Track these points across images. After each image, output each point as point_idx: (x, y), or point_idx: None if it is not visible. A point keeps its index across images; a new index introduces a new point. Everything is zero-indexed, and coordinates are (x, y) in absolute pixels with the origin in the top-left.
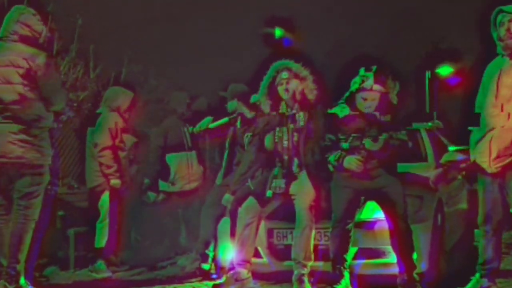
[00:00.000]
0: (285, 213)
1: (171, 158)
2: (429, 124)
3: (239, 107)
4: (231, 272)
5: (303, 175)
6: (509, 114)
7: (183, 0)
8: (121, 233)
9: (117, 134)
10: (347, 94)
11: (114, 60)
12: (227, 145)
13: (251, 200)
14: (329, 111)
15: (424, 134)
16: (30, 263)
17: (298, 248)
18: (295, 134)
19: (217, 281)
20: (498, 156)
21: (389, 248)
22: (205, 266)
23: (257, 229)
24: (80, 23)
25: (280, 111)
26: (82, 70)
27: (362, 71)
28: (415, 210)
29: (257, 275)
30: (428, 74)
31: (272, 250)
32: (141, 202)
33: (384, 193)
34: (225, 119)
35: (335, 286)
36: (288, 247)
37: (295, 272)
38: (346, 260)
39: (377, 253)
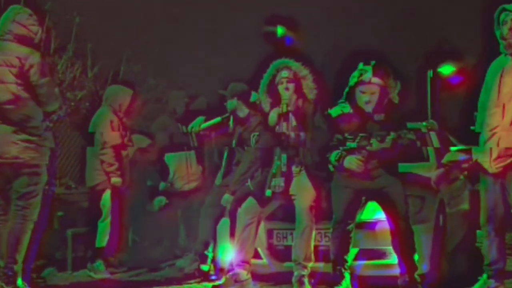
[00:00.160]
0: (285, 214)
1: (170, 158)
2: (424, 124)
3: (239, 106)
4: (231, 273)
5: (303, 175)
6: (511, 115)
7: None
8: (122, 233)
9: (119, 132)
10: (346, 89)
11: (112, 59)
12: (234, 145)
13: (250, 200)
14: (329, 110)
15: (433, 135)
16: (28, 264)
17: (298, 249)
18: (294, 133)
19: (216, 282)
20: (499, 157)
21: (390, 249)
22: (204, 267)
23: (256, 229)
24: (77, 22)
25: (280, 110)
26: (80, 69)
27: (360, 65)
28: (417, 210)
29: (256, 276)
30: (430, 73)
31: (272, 251)
32: (140, 202)
33: (385, 193)
34: (218, 119)
35: (335, 287)
36: (288, 248)
37: (295, 273)
38: (346, 261)
39: (378, 254)
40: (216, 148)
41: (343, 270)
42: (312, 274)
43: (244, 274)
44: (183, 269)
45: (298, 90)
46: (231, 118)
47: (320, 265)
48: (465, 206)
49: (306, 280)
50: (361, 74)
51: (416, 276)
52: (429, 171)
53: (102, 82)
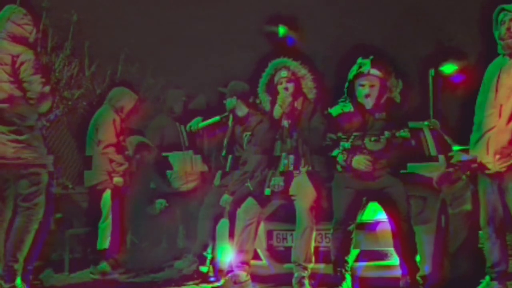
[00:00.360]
0: (285, 214)
1: (172, 157)
2: (426, 123)
3: (238, 106)
4: (230, 274)
5: (303, 175)
6: (507, 115)
7: None
8: (122, 235)
9: (121, 132)
10: (346, 84)
11: (110, 58)
12: (225, 145)
13: (250, 200)
14: (330, 110)
15: (427, 133)
16: (28, 265)
17: (299, 250)
18: (295, 133)
19: (215, 284)
20: (501, 156)
21: (392, 250)
22: (203, 269)
23: (256, 230)
24: (75, 20)
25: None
26: (77, 67)
27: (359, 59)
28: (418, 211)
29: (256, 278)
30: (431, 72)
31: (272, 252)
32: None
33: (387, 193)
34: (216, 118)
35: None
36: (288, 249)
37: (295, 274)
38: (347, 263)
39: (379, 255)
40: (214, 148)
41: (344, 272)
42: (312, 276)
43: (243, 275)
44: (181, 270)
45: (298, 90)
46: (230, 117)
47: (321, 267)
48: (468, 206)
49: (306, 281)
50: (359, 67)
51: (418, 277)
52: (437, 171)
53: (99, 81)
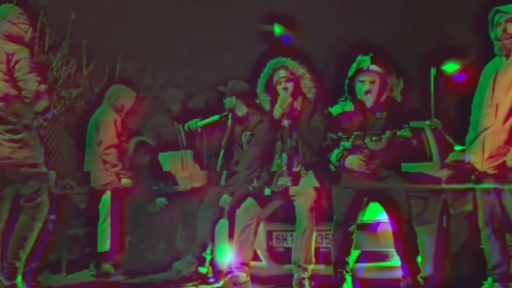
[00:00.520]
0: (285, 215)
1: (164, 158)
2: (427, 123)
3: (238, 105)
4: (229, 276)
5: (310, 176)
6: (504, 115)
7: None
8: (122, 236)
9: (122, 132)
10: (346, 81)
11: (108, 57)
12: (223, 144)
13: (250, 201)
14: (330, 109)
15: (429, 133)
16: (31, 264)
17: (299, 251)
18: (295, 133)
19: (215, 285)
20: (490, 156)
21: (393, 251)
22: (202, 270)
23: (256, 231)
24: (73, 18)
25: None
26: (75, 66)
27: (359, 57)
28: (420, 211)
29: (256, 279)
30: (433, 71)
31: (272, 253)
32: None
33: (388, 194)
34: (216, 117)
35: None
36: (288, 250)
37: (296, 276)
38: (348, 264)
39: (380, 256)
40: (212, 147)
41: (344, 273)
42: (312, 277)
43: (243, 276)
44: (180, 271)
45: (297, 89)
46: (230, 116)
47: (321, 268)
48: (469, 207)
49: (306, 283)
50: (359, 64)
51: (419, 278)
52: (433, 171)
53: (97, 80)
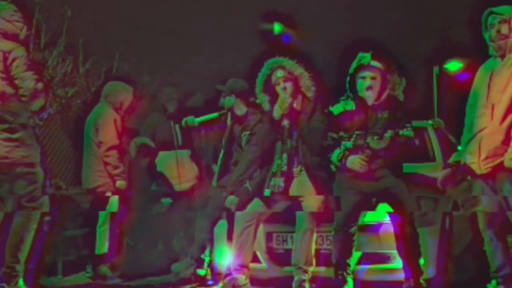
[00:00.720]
0: (285, 216)
1: (159, 157)
2: (430, 122)
3: (237, 104)
4: (228, 278)
5: (303, 176)
6: (500, 115)
7: None
8: (121, 237)
9: (123, 132)
10: (348, 79)
11: (105, 55)
12: (223, 144)
13: (256, 202)
14: (331, 108)
15: (431, 133)
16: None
17: (299, 253)
18: (295, 133)
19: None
20: (487, 157)
21: (395, 253)
22: (201, 272)
23: (255, 232)
24: (69, 15)
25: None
26: (71, 65)
27: (360, 54)
28: (424, 213)
29: (255, 281)
30: (435, 69)
31: (271, 254)
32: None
33: (392, 194)
34: (215, 114)
35: None
36: (288, 252)
37: (296, 278)
38: (349, 266)
39: (382, 258)
40: (210, 146)
41: (345, 275)
42: (313, 279)
43: (242, 279)
44: (178, 273)
45: (296, 89)
46: (229, 116)
47: (322, 270)
48: (480, 207)
49: (307, 285)
50: (360, 60)
51: (421, 281)
52: (436, 172)
53: (94, 79)
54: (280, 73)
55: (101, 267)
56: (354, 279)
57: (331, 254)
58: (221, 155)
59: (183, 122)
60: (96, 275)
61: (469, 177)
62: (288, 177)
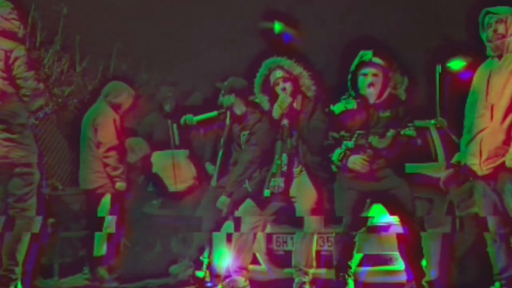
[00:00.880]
0: (285, 217)
1: (155, 157)
2: (432, 121)
3: (236, 104)
4: (227, 280)
5: (304, 176)
6: (500, 115)
7: None
8: (119, 240)
9: (122, 132)
10: (349, 76)
11: (102, 53)
12: (222, 143)
13: (249, 203)
14: (332, 107)
15: (434, 132)
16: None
17: (299, 255)
18: (295, 132)
19: None
20: (488, 158)
21: (397, 254)
22: (199, 274)
23: (255, 234)
24: (65, 13)
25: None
26: (68, 63)
27: (361, 52)
28: (425, 214)
29: (255, 283)
30: (438, 68)
31: (271, 256)
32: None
33: (392, 195)
34: (214, 113)
35: None
36: (288, 253)
37: (296, 280)
38: (350, 267)
39: (383, 260)
40: (209, 146)
41: (346, 277)
42: (313, 281)
43: (241, 281)
44: (176, 275)
45: (296, 89)
46: (228, 115)
47: (322, 272)
48: (476, 209)
49: (307, 287)
50: (361, 57)
51: (424, 283)
52: (438, 172)
53: (91, 77)
54: (279, 73)
55: (99, 269)
56: (355, 281)
57: (332, 255)
58: (219, 155)
59: (181, 121)
60: (93, 277)
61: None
62: (288, 178)
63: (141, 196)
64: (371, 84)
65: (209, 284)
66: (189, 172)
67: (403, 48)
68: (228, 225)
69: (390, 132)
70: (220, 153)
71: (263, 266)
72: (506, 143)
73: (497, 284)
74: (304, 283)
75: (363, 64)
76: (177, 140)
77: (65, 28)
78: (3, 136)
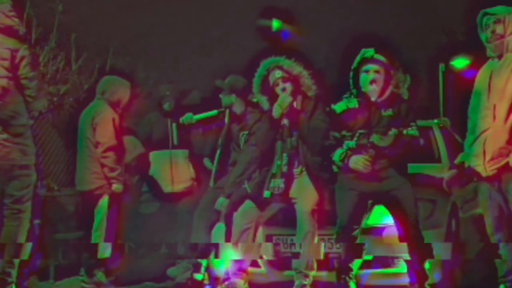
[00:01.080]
0: (285, 218)
1: (152, 157)
2: (435, 121)
3: (236, 103)
4: (226, 282)
5: (304, 177)
6: (503, 115)
7: None
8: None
9: (121, 132)
10: (351, 74)
11: (98, 51)
12: (219, 143)
13: (248, 203)
14: (333, 106)
15: (437, 132)
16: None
17: (300, 257)
18: (295, 132)
19: None
20: (492, 158)
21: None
22: (198, 276)
23: (254, 235)
24: (60, 10)
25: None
26: (63, 61)
27: (362, 50)
28: (427, 215)
29: (254, 286)
30: (441, 67)
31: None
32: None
33: (394, 196)
34: (214, 112)
35: None
36: (292, 256)
37: (296, 282)
38: (352, 270)
39: (385, 262)
40: (208, 144)
41: (348, 279)
42: (314, 284)
43: (241, 283)
44: (174, 278)
45: (296, 88)
46: (227, 114)
47: (323, 274)
48: (480, 210)
49: None
50: (363, 54)
51: (426, 286)
52: (441, 172)
53: (87, 76)
54: (278, 73)
55: (96, 272)
56: (357, 284)
57: (333, 257)
58: (217, 155)
59: (180, 121)
60: (90, 280)
61: (475, 178)
62: (289, 178)
63: (137, 197)
64: (373, 81)
65: (207, 287)
66: (187, 173)
67: (405, 46)
68: (219, 227)
69: (392, 131)
70: (218, 152)
71: (263, 268)
72: (509, 143)
73: (501, 286)
74: (304, 285)
75: (365, 61)
76: (175, 139)
77: (61, 25)
78: (4, 137)
